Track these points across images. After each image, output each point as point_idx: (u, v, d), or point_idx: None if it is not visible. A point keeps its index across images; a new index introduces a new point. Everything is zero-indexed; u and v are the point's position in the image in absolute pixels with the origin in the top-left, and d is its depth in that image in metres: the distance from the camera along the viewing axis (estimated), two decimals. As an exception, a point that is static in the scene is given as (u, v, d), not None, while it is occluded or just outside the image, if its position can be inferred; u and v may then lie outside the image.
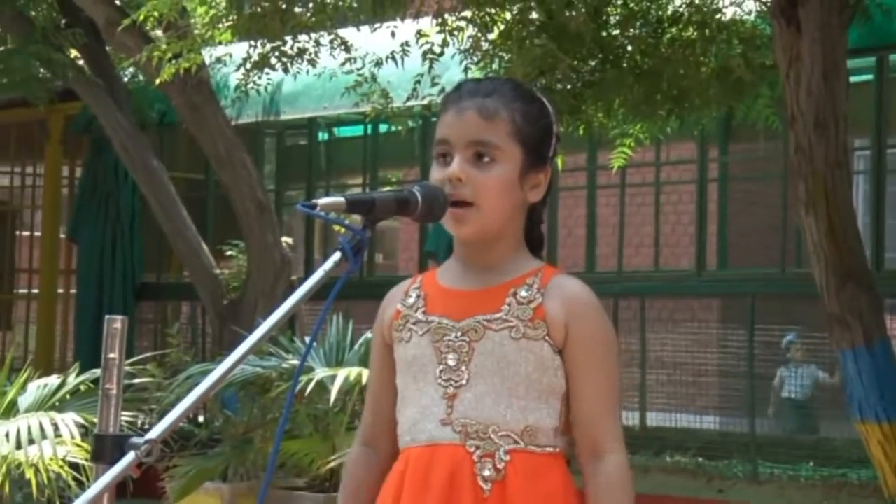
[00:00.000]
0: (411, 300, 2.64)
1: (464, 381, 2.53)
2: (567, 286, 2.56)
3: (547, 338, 2.51)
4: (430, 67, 7.14)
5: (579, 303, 2.53)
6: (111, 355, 2.36)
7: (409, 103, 7.86)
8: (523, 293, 2.54)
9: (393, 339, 2.64)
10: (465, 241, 2.61)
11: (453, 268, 2.65)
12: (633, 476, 2.54)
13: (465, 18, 7.10)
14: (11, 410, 7.16)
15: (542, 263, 2.61)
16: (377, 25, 7.68)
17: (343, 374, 7.20)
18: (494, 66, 6.96)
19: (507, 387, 2.51)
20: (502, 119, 2.54)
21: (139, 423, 7.50)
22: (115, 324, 2.37)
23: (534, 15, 6.88)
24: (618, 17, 7.07)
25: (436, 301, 2.61)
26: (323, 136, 11.22)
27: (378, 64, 7.72)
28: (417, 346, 2.59)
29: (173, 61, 7.50)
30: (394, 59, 7.43)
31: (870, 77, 8.37)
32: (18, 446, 6.70)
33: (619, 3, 7.06)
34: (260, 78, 7.88)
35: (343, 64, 8.09)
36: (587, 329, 2.52)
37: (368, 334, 7.83)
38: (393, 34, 7.54)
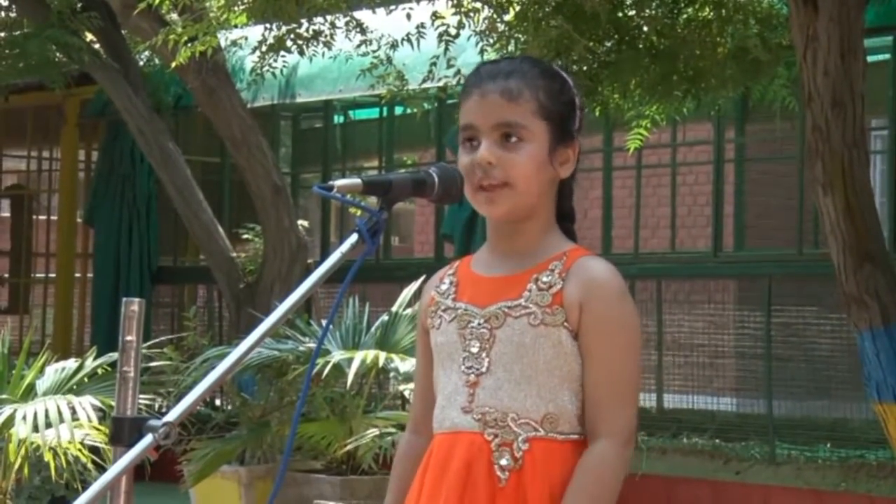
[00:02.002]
0: (444, 286, 2.63)
1: (484, 369, 2.52)
2: (588, 267, 2.52)
3: (565, 323, 2.49)
4: (446, 49, 7.12)
5: (595, 284, 2.50)
6: (129, 338, 2.35)
7: (425, 85, 7.85)
8: (545, 279, 2.52)
9: (428, 326, 2.64)
10: (498, 221, 2.58)
11: (484, 254, 2.63)
12: (619, 466, 2.45)
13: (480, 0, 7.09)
14: (30, 394, 7.18)
15: (570, 246, 2.58)
16: (392, 7, 7.68)
17: (359, 356, 7.21)
18: (510, 48, 6.94)
19: (527, 374, 2.49)
20: (526, 99, 2.52)
21: (157, 406, 7.51)
22: (133, 306, 2.37)
23: (549, -4, 6.86)
24: (634, -2, 7.04)
25: (465, 288, 2.60)
26: (338, 118, 11.22)
27: (394, 46, 7.71)
28: (445, 333, 2.59)
29: (189, 44, 7.50)
30: (409, 41, 7.42)
31: (887, 56, 8.33)
32: (36, 429, 6.72)
33: (634, -17, 7.04)
34: (275, 60, 7.87)
35: (359, 46, 8.08)
36: (599, 311, 2.48)
37: (385, 317, 7.83)
38: (408, 16, 7.53)
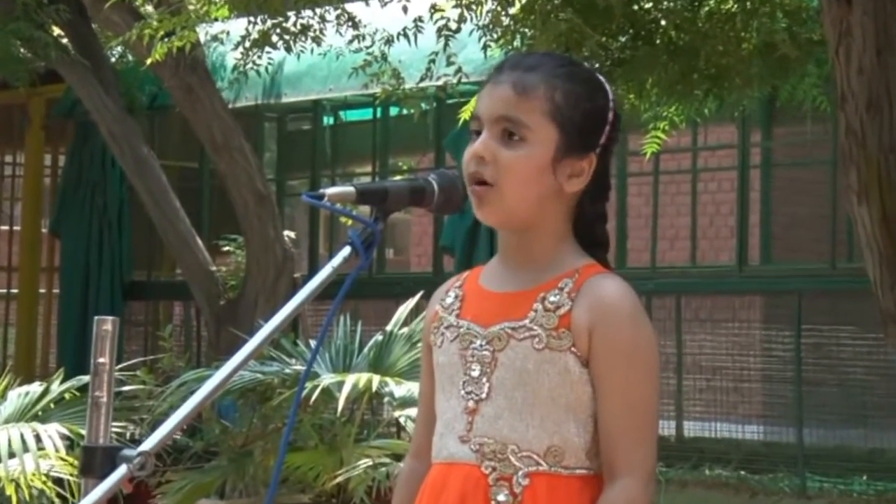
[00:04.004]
0: (449, 300, 2.62)
1: (484, 395, 2.51)
2: (600, 287, 2.50)
3: (573, 348, 2.48)
4: (446, 45, 7.14)
5: (606, 306, 2.48)
6: (101, 360, 2.36)
7: (423, 84, 7.86)
8: (552, 298, 2.50)
9: (431, 343, 2.63)
10: (490, 225, 2.59)
11: (495, 266, 2.62)
12: None
13: (483, -9, 7.10)
14: (-10, 421, 7.19)
15: (584, 262, 2.54)
16: (387, -1, 7.69)
17: (351, 380, 7.21)
18: (516, 43, 6.96)
19: (529, 403, 2.48)
20: (538, 96, 2.50)
21: (128, 434, 7.52)
22: (106, 325, 2.37)
23: (559, -13, 6.87)
24: (651, -11, 7.06)
25: (470, 303, 2.59)
26: (328, 120, 11.22)
27: (389, 41, 7.72)
28: (446, 353, 2.58)
29: (165, 40, 7.51)
30: (406, 36, 7.43)
31: (927, 53, 8.34)
32: (-2, 460, 6.73)
33: (651, -27, 7.06)
34: (260, 57, 7.90)
35: (350, 42, 8.10)
36: (611, 336, 2.47)
37: (378, 337, 7.84)
38: (405, 9, 7.54)
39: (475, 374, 2.53)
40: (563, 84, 2.53)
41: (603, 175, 2.58)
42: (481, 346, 2.54)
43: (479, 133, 2.53)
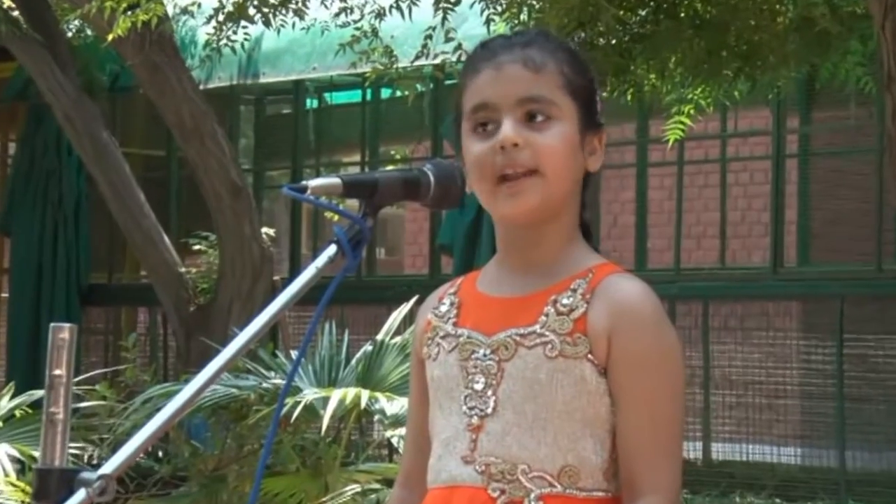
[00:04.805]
0: (444, 308, 2.63)
1: (489, 410, 2.52)
2: (618, 288, 2.51)
3: (590, 356, 2.49)
4: (444, 19, 7.14)
5: (626, 309, 2.49)
6: (57, 372, 2.36)
7: (418, 63, 7.87)
8: (565, 301, 2.51)
9: (423, 356, 2.64)
10: (517, 223, 2.55)
11: (493, 269, 2.63)
12: None
13: (486, -42, 7.12)
14: (-69, 441, 7.20)
15: (597, 261, 2.57)
16: (378, -33, 7.71)
17: (337, 395, 7.22)
18: (522, 17, 6.97)
19: (541, 417, 2.49)
20: (550, 70, 2.53)
21: (87, 456, 7.52)
22: (62, 333, 2.37)
23: (571, -46, 6.89)
24: (674, -43, 7.08)
25: (469, 310, 2.60)
26: (312, 102, 11.24)
27: (380, 15, 7.73)
28: (444, 366, 2.58)
29: (129, 13, 7.52)
30: (399, 8, 7.44)
31: None
32: (-60, 485, 6.74)
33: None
34: (235, 32, 7.90)
35: (337, 15, 8.10)
36: (632, 343, 2.48)
37: (368, 347, 7.85)
38: (398, -22, 7.56)
39: (479, 386, 2.54)
40: (565, 56, 2.57)
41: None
42: (485, 355, 2.54)
43: (484, 125, 2.53)
